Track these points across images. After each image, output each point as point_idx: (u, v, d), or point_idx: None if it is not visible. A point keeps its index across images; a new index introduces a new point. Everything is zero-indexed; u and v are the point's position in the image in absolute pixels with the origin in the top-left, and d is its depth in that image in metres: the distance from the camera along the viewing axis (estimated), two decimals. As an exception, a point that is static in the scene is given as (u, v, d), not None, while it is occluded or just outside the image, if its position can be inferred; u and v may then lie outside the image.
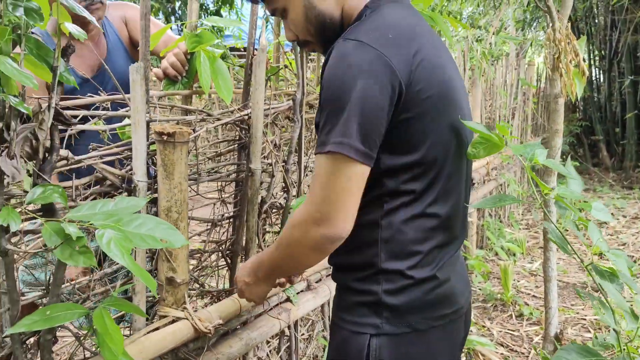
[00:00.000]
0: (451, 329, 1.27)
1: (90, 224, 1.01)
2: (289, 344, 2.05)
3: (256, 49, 1.75)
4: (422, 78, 1.10)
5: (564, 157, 8.77)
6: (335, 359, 1.28)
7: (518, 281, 4.30)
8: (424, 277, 1.18)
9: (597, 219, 1.20)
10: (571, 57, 1.97)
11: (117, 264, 1.44)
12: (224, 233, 1.83)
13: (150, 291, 1.45)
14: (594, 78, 9.80)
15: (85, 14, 1.09)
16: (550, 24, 2.16)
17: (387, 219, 1.17)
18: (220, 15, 9.03)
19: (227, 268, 1.83)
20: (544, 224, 1.22)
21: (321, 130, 1.10)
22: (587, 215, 4.21)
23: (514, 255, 4.80)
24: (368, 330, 1.19)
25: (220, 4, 8.97)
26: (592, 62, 9.73)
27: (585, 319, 3.60)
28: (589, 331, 3.42)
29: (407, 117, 1.11)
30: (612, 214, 6.22)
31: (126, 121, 1.46)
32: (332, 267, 1.34)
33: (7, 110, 1.03)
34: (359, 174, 1.09)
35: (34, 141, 1.08)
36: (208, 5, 9.05)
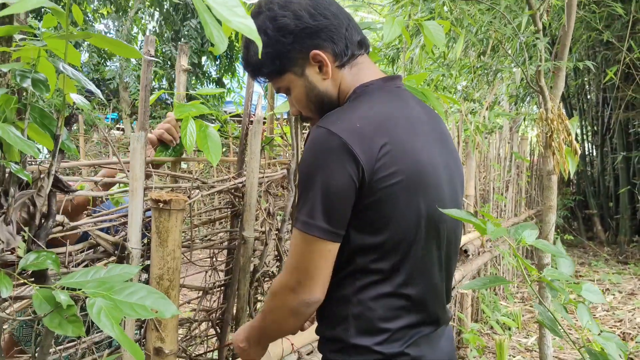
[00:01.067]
0: None
1: (82, 292, 1.01)
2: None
3: (253, 114, 1.79)
4: (388, 165, 1.16)
5: (558, 230, 8.79)
6: None
7: (514, 357, 4.21)
8: (392, 352, 1.21)
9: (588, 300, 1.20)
10: (563, 136, 2.02)
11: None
12: (214, 301, 1.81)
13: (137, 360, 1.43)
14: (586, 152, 9.96)
15: (92, 87, 1.13)
16: (543, 104, 2.23)
17: (357, 296, 1.22)
18: (223, 83, 9.27)
19: (216, 337, 1.81)
20: (534, 306, 1.22)
21: (296, 207, 1.23)
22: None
23: (509, 329, 4.73)
24: None
25: (222, 72, 9.22)
26: (584, 137, 9.92)
27: (582, 399, 3.50)
28: (587, 411, 3.33)
29: (372, 200, 1.16)
30: (607, 289, 6.17)
31: (116, 186, 1.48)
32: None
33: (6, 176, 1.05)
34: (326, 250, 1.18)
35: (31, 207, 1.09)
36: (211, 73, 9.29)
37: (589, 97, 9.56)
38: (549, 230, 2.28)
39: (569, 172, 2.10)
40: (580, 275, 6.68)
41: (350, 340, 1.21)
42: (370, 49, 1.41)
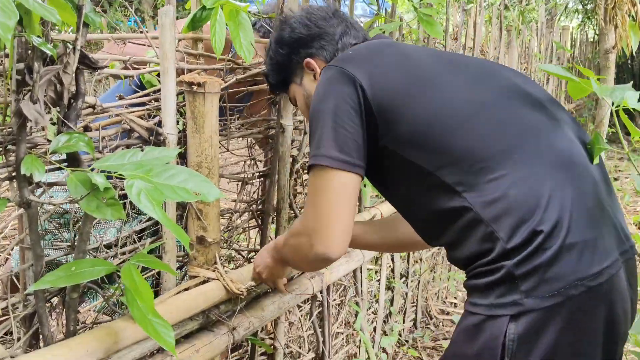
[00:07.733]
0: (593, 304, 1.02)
1: (119, 175, 0.94)
2: (320, 309, 1.99)
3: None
4: (389, 73, 1.17)
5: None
6: (460, 351, 1.12)
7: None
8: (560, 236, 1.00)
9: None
10: (627, 8, 1.83)
11: (146, 220, 1.38)
12: (254, 192, 1.75)
13: (180, 250, 1.39)
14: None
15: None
16: (603, -26, 2.02)
17: (468, 201, 1.05)
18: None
19: (257, 229, 1.77)
20: (633, 177, 1.11)
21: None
22: None
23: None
24: (506, 311, 1.01)
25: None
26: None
27: None
28: None
29: (388, 109, 1.13)
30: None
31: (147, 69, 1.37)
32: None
33: (29, 51, 0.96)
34: (343, 183, 1.11)
35: (58, 86, 1.00)
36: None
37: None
38: (604, 115, 2.14)
39: (631, 48, 1.91)
40: (619, 170, 6.51)
41: (507, 246, 1.01)
42: None
